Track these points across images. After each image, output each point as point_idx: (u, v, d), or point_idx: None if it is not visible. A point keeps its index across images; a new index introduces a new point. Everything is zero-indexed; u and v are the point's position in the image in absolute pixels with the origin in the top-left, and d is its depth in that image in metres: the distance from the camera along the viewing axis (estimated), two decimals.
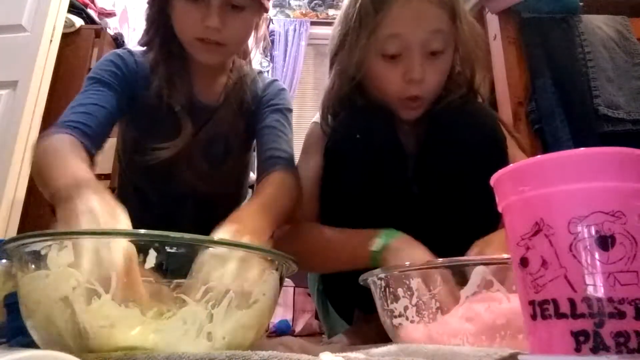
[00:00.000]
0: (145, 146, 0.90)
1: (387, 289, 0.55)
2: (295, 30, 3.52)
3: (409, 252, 0.66)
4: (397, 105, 0.85)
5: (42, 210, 1.86)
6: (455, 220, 0.80)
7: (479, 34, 0.91)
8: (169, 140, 0.88)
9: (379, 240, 0.70)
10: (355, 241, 0.74)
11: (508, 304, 0.47)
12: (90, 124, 0.77)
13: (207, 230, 0.58)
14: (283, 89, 1.03)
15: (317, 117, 0.97)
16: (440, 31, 0.80)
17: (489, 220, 0.65)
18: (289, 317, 2.12)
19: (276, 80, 1.05)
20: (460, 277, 0.51)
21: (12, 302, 0.47)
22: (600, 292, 0.27)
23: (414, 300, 0.51)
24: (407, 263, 0.59)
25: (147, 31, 0.93)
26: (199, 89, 0.95)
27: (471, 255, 0.63)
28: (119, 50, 0.94)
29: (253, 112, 0.97)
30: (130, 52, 0.94)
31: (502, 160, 0.80)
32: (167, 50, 0.91)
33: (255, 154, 1.04)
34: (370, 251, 0.69)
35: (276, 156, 0.88)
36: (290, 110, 1.00)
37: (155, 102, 0.89)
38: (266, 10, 0.93)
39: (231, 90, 0.97)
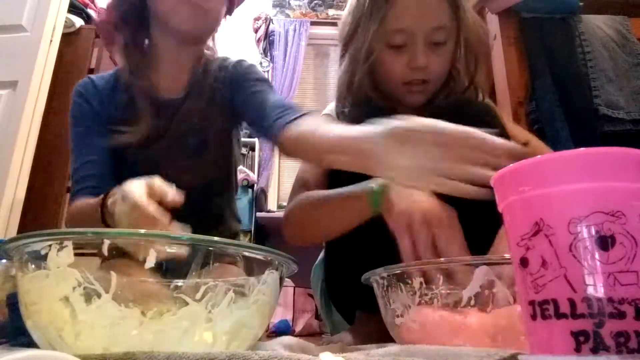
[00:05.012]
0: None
1: (389, 288, 0.55)
2: (295, 30, 3.52)
3: (411, 190, 0.65)
4: (402, 91, 0.89)
5: (42, 210, 1.86)
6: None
7: (481, 27, 0.95)
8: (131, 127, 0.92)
9: (378, 181, 0.69)
10: (352, 189, 0.73)
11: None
12: (97, 184, 0.88)
13: (200, 222, 0.61)
14: (251, 65, 1.04)
15: (327, 109, 1.02)
16: (443, 27, 0.85)
17: (490, 215, 0.65)
18: (289, 317, 2.12)
19: (242, 60, 1.05)
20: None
21: (16, 302, 0.47)
22: (600, 292, 0.27)
23: (417, 300, 0.51)
24: (408, 264, 0.59)
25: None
26: (161, 84, 0.97)
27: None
28: (78, 84, 0.99)
29: (227, 98, 0.98)
30: (89, 79, 0.99)
31: None
32: (134, 43, 0.96)
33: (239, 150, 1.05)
34: (372, 191, 0.68)
35: (283, 110, 0.83)
36: (265, 80, 0.99)
37: (123, 99, 0.95)
38: None
39: (196, 81, 0.98)
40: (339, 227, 0.77)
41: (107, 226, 0.69)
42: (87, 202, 0.82)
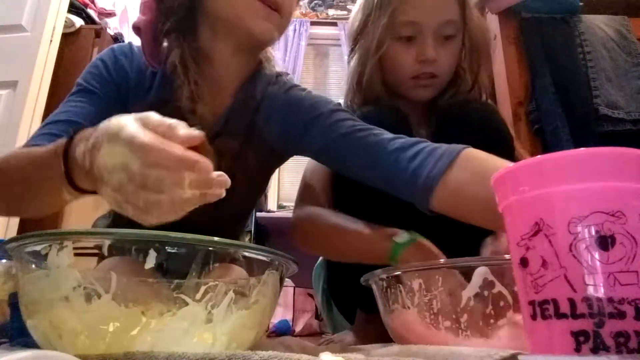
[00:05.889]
0: None
1: (389, 290, 0.55)
2: (295, 30, 3.52)
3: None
4: (409, 86, 0.90)
5: None
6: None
7: (485, 27, 0.97)
8: None
9: (404, 235, 0.69)
10: (375, 232, 0.73)
11: None
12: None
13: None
14: (308, 91, 0.82)
15: None
16: (453, 21, 0.87)
17: None
18: (289, 317, 2.12)
19: (295, 86, 0.83)
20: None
21: (18, 302, 0.47)
22: (600, 292, 0.27)
23: (416, 301, 0.51)
24: (407, 265, 0.59)
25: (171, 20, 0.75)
26: (198, 104, 0.75)
27: (486, 254, 0.63)
28: (115, 46, 0.81)
29: (270, 139, 0.79)
30: (130, 46, 0.80)
31: (509, 155, 0.81)
32: (188, 50, 0.75)
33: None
34: (393, 243, 0.69)
35: (413, 149, 0.64)
36: (339, 109, 0.76)
37: (154, 102, 0.74)
38: None
39: (238, 108, 0.79)
40: (354, 259, 0.76)
41: (75, 187, 0.48)
42: (30, 150, 0.59)
